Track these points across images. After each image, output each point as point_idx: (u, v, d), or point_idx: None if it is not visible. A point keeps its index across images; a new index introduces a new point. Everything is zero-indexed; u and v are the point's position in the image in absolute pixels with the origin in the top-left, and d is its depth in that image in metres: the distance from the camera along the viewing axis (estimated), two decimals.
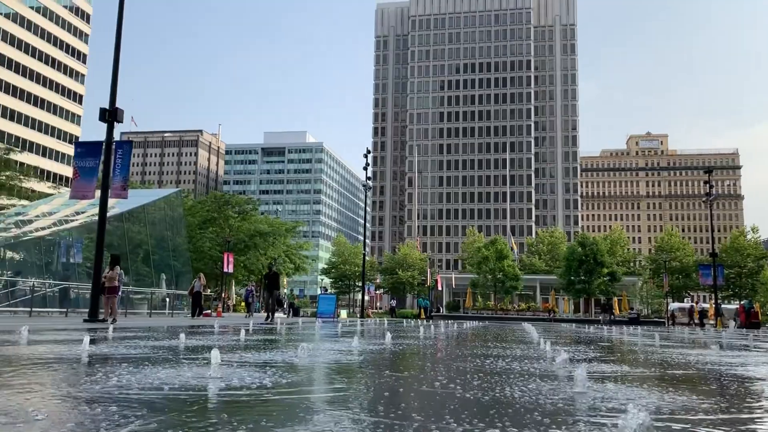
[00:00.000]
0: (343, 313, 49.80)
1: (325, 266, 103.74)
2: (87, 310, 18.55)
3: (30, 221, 34.04)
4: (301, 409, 3.32)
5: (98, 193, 19.03)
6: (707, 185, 46.26)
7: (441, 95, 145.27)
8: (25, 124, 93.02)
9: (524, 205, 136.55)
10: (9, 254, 30.21)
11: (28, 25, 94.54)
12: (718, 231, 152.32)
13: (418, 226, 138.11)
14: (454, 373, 5.41)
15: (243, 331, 11.98)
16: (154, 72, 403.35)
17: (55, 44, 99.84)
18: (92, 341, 7.12)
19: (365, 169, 48.43)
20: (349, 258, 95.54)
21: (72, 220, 32.50)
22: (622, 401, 3.74)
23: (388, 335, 10.39)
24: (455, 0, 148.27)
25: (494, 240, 75.31)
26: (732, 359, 8.22)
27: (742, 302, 50.61)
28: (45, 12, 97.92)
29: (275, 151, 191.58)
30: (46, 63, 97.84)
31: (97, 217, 19.76)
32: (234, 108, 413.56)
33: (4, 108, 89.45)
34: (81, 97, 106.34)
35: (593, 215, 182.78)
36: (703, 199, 50.63)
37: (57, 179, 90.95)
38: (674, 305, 62.25)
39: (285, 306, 45.18)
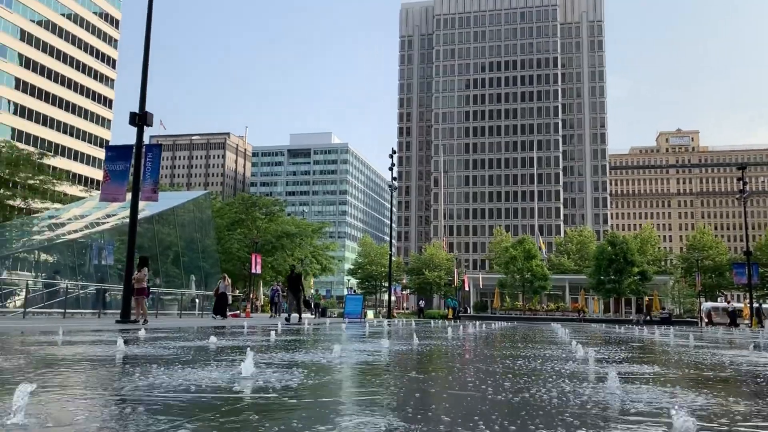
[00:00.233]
0: (370, 314, 49.90)
1: (352, 267, 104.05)
2: (119, 311, 18.85)
3: (63, 224, 34.73)
4: (330, 410, 3.33)
5: (129, 195, 19.32)
6: (741, 182, 45.27)
7: (466, 94, 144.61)
8: (57, 129, 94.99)
9: (552, 204, 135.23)
10: (43, 257, 30.84)
11: (59, 32, 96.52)
12: (753, 228, 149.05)
13: (444, 226, 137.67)
14: (483, 374, 5.37)
15: (272, 332, 12.06)
16: (182, 75, 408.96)
17: (85, 50, 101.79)
18: (125, 342, 7.23)
19: (391, 169, 48.42)
20: (375, 258, 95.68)
21: (103, 223, 33.08)
22: (655, 404, 3.67)
23: (416, 336, 10.36)
24: None
25: (522, 239, 74.76)
26: None
27: None
28: (75, 18, 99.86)
29: (301, 152, 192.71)
30: (77, 69, 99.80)
31: (127, 220, 20.09)
32: (260, 110, 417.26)
33: (37, 113, 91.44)
34: (111, 101, 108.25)
35: (623, 214, 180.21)
36: (737, 196, 49.50)
37: (88, 183, 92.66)
38: (708, 305, 61.07)
39: (312, 306, 45.37)
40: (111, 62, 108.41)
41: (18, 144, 55.51)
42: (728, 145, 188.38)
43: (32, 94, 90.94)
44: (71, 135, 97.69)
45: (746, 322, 47.00)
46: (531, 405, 3.56)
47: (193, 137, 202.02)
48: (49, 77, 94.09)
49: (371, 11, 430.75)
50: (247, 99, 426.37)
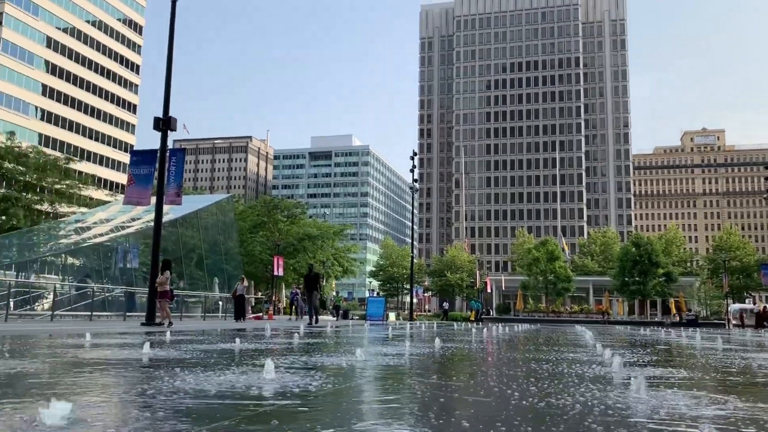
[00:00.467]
0: (392, 316, 49.85)
1: (373, 269, 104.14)
2: (144, 314, 19.07)
3: (89, 228, 35.24)
4: (352, 416, 3.33)
5: (153, 199, 19.56)
6: None
7: (487, 95, 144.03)
8: (83, 134, 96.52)
9: (575, 205, 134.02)
10: (70, 260, 31.33)
11: (84, 38, 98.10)
12: None
13: (466, 228, 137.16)
14: (507, 378, 5.34)
15: (294, 335, 12.10)
16: (205, 79, 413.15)
17: (109, 56, 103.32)
18: (150, 345, 7.31)
19: (412, 171, 48.40)
20: (397, 260, 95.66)
21: (128, 227, 33.52)
22: (683, 409, 3.61)
23: (439, 339, 10.33)
24: None
25: (545, 241, 74.24)
26: None
27: None
28: (100, 25, 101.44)
29: (322, 155, 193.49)
30: (102, 74, 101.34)
31: (152, 223, 20.32)
32: (281, 114, 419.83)
33: (63, 119, 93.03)
34: (135, 106, 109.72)
35: (647, 214, 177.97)
36: (764, 195, 48.60)
37: (113, 187, 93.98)
38: (736, 306, 60.04)
39: (330, 308, 45.46)
40: (135, 68, 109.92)
41: (45, 149, 56.47)
42: (755, 144, 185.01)
43: (58, 100, 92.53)
44: (96, 140, 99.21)
45: None
46: (555, 410, 3.53)
47: (216, 141, 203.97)
48: (74, 83, 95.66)
49: (391, 13, 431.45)
50: (268, 102, 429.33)
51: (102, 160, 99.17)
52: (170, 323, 17.58)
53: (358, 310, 73.72)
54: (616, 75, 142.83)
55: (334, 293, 79.33)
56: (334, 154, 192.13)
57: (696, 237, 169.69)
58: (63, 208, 50.13)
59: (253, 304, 43.81)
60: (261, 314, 37.75)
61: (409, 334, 15.46)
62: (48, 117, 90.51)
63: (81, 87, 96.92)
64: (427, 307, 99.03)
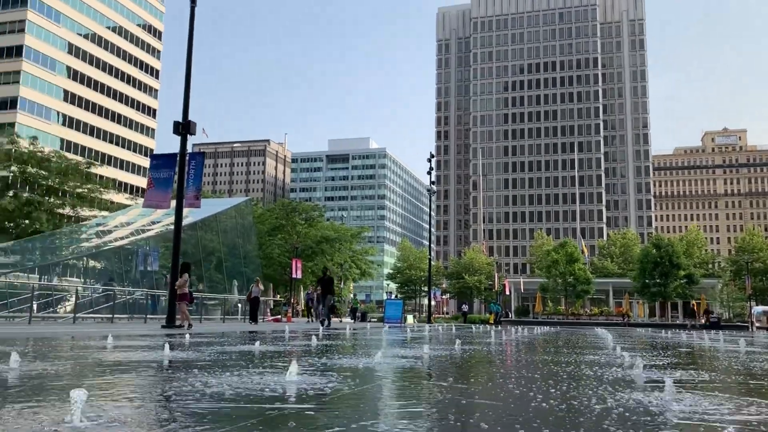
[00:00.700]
0: (410, 319, 49.79)
1: (391, 271, 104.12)
2: (164, 316, 19.25)
3: (109, 231, 35.66)
4: (371, 419, 3.33)
5: (173, 203, 19.73)
6: None
7: (505, 96, 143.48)
8: (104, 139, 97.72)
9: (594, 207, 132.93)
10: (91, 263, 31.70)
11: (105, 44, 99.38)
12: None
13: (484, 230, 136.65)
14: (526, 380, 5.31)
15: (313, 337, 12.14)
16: (223, 83, 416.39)
17: (129, 61, 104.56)
18: (171, 347, 7.38)
19: (429, 173, 48.34)
20: (415, 263, 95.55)
21: (148, 230, 33.85)
22: (709, 412, 3.56)
23: (458, 341, 10.30)
24: (518, 0, 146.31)
25: (564, 243, 73.71)
26: None
27: None
28: (120, 31, 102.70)
29: (339, 158, 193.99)
30: (122, 79, 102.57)
31: (172, 227, 20.50)
32: (299, 117, 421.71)
33: (84, 124, 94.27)
34: (155, 111, 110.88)
35: (668, 216, 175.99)
36: None
37: (134, 190, 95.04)
38: (758, 308, 59.12)
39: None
40: (154, 73, 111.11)
41: (67, 154, 57.25)
42: None
43: (79, 105, 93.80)
44: (117, 144, 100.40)
45: None
46: (576, 413, 3.50)
47: (234, 144, 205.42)
48: (95, 88, 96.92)
49: (408, 16, 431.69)
50: (286, 106, 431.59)
51: (122, 164, 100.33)
52: (190, 325, 17.72)
53: (375, 313, 73.73)
54: (635, 75, 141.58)
55: (352, 295, 79.46)
56: (351, 156, 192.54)
57: (718, 238, 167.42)
58: (84, 212, 50.76)
59: (272, 306, 44.00)
60: (279, 316, 37.91)
61: (428, 337, 15.43)
62: (69, 122, 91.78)
63: (102, 92, 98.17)
64: (445, 309, 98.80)
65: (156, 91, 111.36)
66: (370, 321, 46.61)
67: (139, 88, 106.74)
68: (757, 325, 51.50)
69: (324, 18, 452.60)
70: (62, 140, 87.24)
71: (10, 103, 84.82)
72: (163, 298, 26.17)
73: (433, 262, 69.19)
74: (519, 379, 5.53)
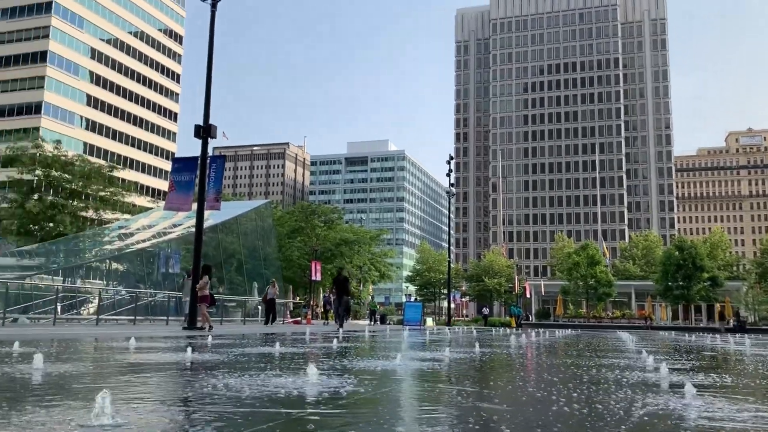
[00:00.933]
0: (429, 321, 49.66)
1: (410, 274, 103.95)
2: (182, 318, 19.42)
3: (131, 234, 36.05)
4: (391, 423, 3.31)
5: (194, 206, 19.89)
6: None
7: (524, 98, 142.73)
8: (126, 143, 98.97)
9: (616, 209, 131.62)
10: (114, 266, 32.07)
11: (127, 49, 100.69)
12: None
13: (504, 232, 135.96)
14: (548, 384, 5.25)
15: (333, 339, 12.15)
16: (242, 87, 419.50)
17: (151, 66, 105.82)
18: (192, 349, 7.43)
19: (448, 175, 48.20)
20: (434, 265, 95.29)
21: (170, 232, 34.15)
22: (734, 418, 3.50)
23: (479, 345, 10.24)
24: (537, 1, 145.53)
25: (585, 245, 73.09)
26: None
27: None
28: (141, 36, 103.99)
29: (358, 160, 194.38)
30: (144, 84, 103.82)
31: (193, 229, 20.66)
32: (318, 120, 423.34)
33: (107, 128, 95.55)
34: (176, 114, 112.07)
35: (691, 217, 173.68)
36: None
37: (155, 193, 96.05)
38: None
39: (371, 314, 45.49)
40: (175, 77, 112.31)
41: (90, 157, 57.99)
42: None
43: (102, 110, 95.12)
44: (139, 148, 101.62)
45: None
46: (598, 418, 3.46)
47: (254, 148, 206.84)
48: (117, 93, 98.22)
49: (426, 18, 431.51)
50: (305, 109, 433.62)
51: (144, 168, 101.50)
52: (210, 327, 17.84)
53: (394, 315, 73.66)
54: (657, 75, 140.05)
55: (370, 297, 79.50)
56: (370, 159, 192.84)
57: (742, 240, 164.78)
58: (107, 215, 51.35)
59: (292, 308, 44.15)
60: (299, 318, 38.03)
61: (449, 340, 15.37)
62: (92, 126, 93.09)
63: (124, 96, 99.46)
64: (464, 312, 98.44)
65: (177, 95, 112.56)
66: (389, 323, 46.59)
67: (161, 92, 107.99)
68: None
69: (343, 21, 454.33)
70: (85, 144, 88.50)
71: (35, 108, 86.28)
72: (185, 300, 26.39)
73: (452, 265, 68.94)
74: (540, 382, 5.48)
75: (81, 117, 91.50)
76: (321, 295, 69.73)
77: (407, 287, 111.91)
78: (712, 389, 5.10)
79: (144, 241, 33.59)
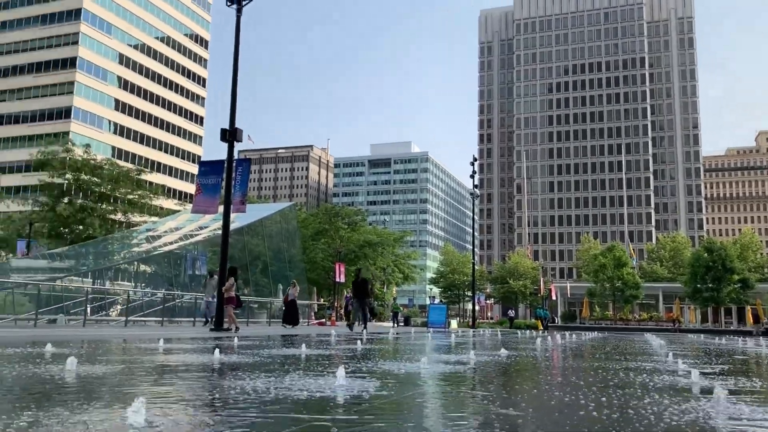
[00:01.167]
0: (454, 324, 49.45)
1: (434, 276, 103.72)
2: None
3: (159, 236, 36.51)
4: (414, 426, 3.31)
5: (220, 208, 20.11)
6: None
7: (549, 98, 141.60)
8: (153, 146, 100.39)
9: (642, 210, 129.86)
10: (142, 267, 32.52)
11: (154, 54, 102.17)
12: None
13: (529, 234, 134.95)
14: (574, 388, 5.21)
15: (358, 341, 12.18)
16: (267, 90, 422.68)
17: (177, 70, 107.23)
18: (220, 350, 7.51)
19: (472, 177, 47.99)
20: (458, 267, 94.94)
21: (196, 235, 34.54)
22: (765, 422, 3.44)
23: (504, 347, 10.19)
24: (561, 1, 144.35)
25: (611, 247, 72.26)
26: None
27: None
28: (168, 41, 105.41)
29: (381, 162, 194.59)
30: (170, 88, 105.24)
31: (219, 232, 20.87)
32: (341, 122, 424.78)
33: (135, 132, 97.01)
34: (202, 119, 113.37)
35: (720, 218, 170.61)
36: None
37: (182, 196, 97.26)
38: None
39: (394, 316, 45.43)
40: (201, 81, 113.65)
41: (118, 161, 58.90)
42: None
43: (130, 114, 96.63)
44: (166, 151, 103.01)
45: None
46: (627, 424, 3.42)
47: (279, 150, 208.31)
48: (145, 97, 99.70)
49: (449, 19, 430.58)
50: (329, 111, 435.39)
51: (171, 171, 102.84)
52: (237, 328, 18.01)
53: (418, 317, 73.53)
54: (684, 74, 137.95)
55: (393, 299, 79.46)
56: (393, 161, 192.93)
57: None
58: (135, 218, 52.05)
59: (316, 310, 44.35)
60: (324, 320, 38.20)
61: (474, 342, 15.31)
62: (120, 130, 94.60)
63: (151, 101, 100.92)
64: (489, 314, 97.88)
65: (203, 99, 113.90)
66: (413, 325, 46.54)
67: (187, 97, 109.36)
68: None
69: (366, 24, 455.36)
70: (113, 148, 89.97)
71: (65, 113, 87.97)
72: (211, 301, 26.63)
73: (476, 267, 68.66)
74: (568, 386, 5.43)
75: (109, 121, 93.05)
76: (345, 297, 69.90)
77: (431, 289, 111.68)
78: (744, 394, 5.01)
79: (171, 243, 34.01)
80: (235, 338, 12.41)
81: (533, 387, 5.65)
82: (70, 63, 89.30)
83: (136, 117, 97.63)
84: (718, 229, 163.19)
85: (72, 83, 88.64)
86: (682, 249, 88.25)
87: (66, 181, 48.92)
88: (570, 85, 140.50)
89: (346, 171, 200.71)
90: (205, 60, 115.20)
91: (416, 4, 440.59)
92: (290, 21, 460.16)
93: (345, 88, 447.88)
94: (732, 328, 62.54)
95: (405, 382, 5.41)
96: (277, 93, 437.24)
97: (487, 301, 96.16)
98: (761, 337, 35.29)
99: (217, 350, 7.46)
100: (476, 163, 47.99)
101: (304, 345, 9.74)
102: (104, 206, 49.39)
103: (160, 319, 23.87)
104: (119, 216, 50.91)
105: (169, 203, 73.34)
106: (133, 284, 31.03)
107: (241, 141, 18.97)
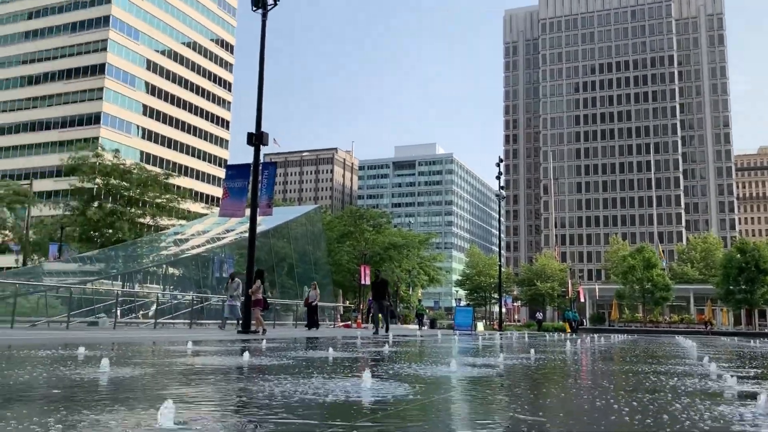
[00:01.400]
0: (480, 326, 49.20)
1: (460, 278, 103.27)
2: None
3: (186, 240, 36.94)
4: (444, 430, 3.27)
5: (247, 211, 20.25)
6: None
7: (576, 98, 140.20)
8: (180, 150, 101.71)
9: (672, 210, 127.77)
10: (170, 270, 32.92)
11: (180, 59, 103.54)
12: None
13: (556, 235, 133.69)
14: (603, 392, 5.11)
15: (385, 344, 12.16)
16: (291, 93, 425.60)
17: (203, 75, 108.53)
18: (248, 353, 7.54)
19: (498, 178, 47.71)
20: (484, 269, 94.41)
21: (223, 238, 34.88)
22: None
23: (533, 350, 10.07)
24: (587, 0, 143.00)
25: (641, 248, 71.20)
26: None
27: None
28: (194, 46, 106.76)
29: (406, 164, 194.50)
30: (197, 93, 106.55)
31: (246, 234, 21.03)
32: (366, 124, 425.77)
33: (162, 137, 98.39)
34: (228, 122, 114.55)
35: (753, 218, 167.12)
36: None
37: (209, 200, 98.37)
38: None
39: (418, 318, 45.31)
40: (227, 85, 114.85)
41: (146, 166, 59.77)
42: None
43: (157, 119, 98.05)
44: (193, 155, 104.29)
45: None
46: (660, 430, 3.33)
47: (303, 153, 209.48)
48: (172, 102, 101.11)
49: (474, 20, 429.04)
50: (352, 113, 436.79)
51: (198, 175, 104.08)
52: (264, 331, 18.10)
53: (444, 320, 73.26)
54: (714, 72, 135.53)
55: (418, 302, 79.24)
56: (417, 163, 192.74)
57: None
58: (163, 221, 52.76)
59: (342, 312, 44.46)
60: (349, 322, 38.26)
61: (502, 345, 15.18)
62: (148, 135, 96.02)
63: (178, 106, 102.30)
64: (516, 317, 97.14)
65: (229, 103, 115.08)
66: (439, 328, 46.39)
67: (213, 101, 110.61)
68: None
69: (389, 24, 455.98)
70: (142, 152, 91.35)
71: (95, 119, 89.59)
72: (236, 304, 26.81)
73: (503, 269, 68.20)
74: (598, 390, 5.33)
75: (138, 126, 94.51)
76: (368, 300, 69.93)
77: (457, 291, 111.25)
78: None
79: (198, 246, 34.38)
80: (263, 341, 12.47)
81: (562, 391, 5.56)
82: (99, 69, 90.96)
83: (164, 122, 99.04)
84: (750, 229, 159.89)
85: (101, 89, 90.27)
86: (714, 250, 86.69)
87: (96, 186, 49.78)
88: (597, 84, 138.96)
89: (371, 173, 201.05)
90: (231, 64, 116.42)
91: (440, 5, 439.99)
92: (313, 25, 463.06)
93: (369, 90, 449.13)
94: (767, 330, 61.14)
95: (431, 386, 5.36)
96: (302, 95, 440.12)
97: (514, 304, 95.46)
98: None
99: (245, 353, 7.50)
100: (502, 164, 47.67)
101: (330, 348, 9.74)
102: (133, 210, 50.15)
103: (189, 321, 24.11)
104: (148, 219, 51.65)
105: (196, 207, 74.19)
106: (162, 287, 31.41)
107: (267, 144, 19.10)
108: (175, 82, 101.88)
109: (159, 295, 26.68)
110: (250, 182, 19.51)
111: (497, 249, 59.63)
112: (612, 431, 3.27)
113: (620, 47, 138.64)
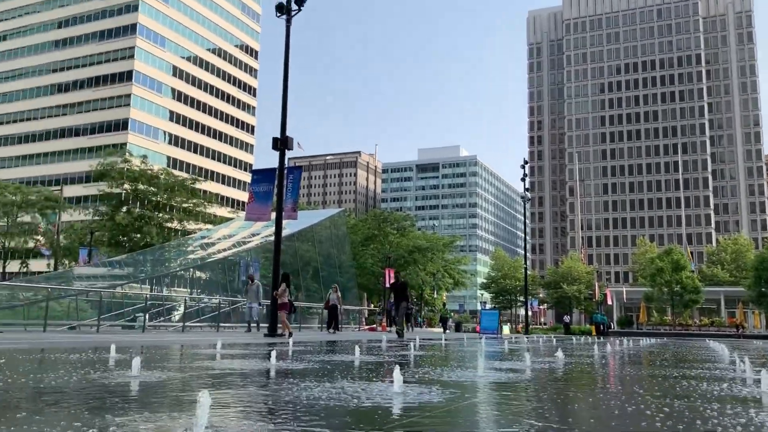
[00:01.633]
0: (506, 329, 48.86)
1: (484, 281, 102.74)
2: (266, 325, 19.89)
3: (213, 243, 37.34)
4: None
5: (273, 215, 20.41)
6: None
7: (601, 98, 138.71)
8: (207, 155, 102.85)
9: (701, 211, 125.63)
10: (197, 274, 33.30)
11: (206, 66, 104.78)
12: None
13: (582, 237, 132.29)
14: (633, 396, 5.03)
15: (411, 347, 12.14)
16: (315, 97, 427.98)
17: (229, 81, 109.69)
18: (275, 356, 7.58)
19: (523, 179, 47.35)
20: (509, 272, 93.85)
21: (249, 242, 35.19)
22: None
23: (562, 353, 9.96)
24: None
25: (669, 249, 70.12)
26: None
27: None
28: (219, 52, 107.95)
29: (429, 167, 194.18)
30: (222, 98, 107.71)
31: (271, 238, 21.17)
32: (389, 127, 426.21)
33: (189, 142, 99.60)
34: (253, 127, 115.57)
35: None
36: None
37: (235, 204, 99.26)
38: None
39: (443, 322, 45.17)
40: (252, 91, 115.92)
41: (173, 171, 60.58)
42: None
43: (183, 125, 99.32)
44: (219, 160, 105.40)
45: None
46: None
47: (327, 157, 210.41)
48: (198, 108, 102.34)
49: (497, 21, 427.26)
50: (376, 117, 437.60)
51: (224, 179, 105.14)
52: (290, 334, 18.18)
53: (470, 323, 72.90)
54: (743, 70, 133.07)
55: (442, 305, 78.93)
56: (441, 165, 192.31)
57: None
58: (190, 225, 53.40)
59: (367, 315, 44.51)
60: (374, 326, 38.28)
61: (529, 349, 15.04)
62: (175, 141, 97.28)
63: (204, 111, 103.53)
64: (542, 320, 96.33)
65: (254, 108, 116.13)
66: (464, 331, 46.17)
67: (238, 106, 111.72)
68: None
69: (412, 28, 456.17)
70: (169, 158, 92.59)
71: (122, 125, 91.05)
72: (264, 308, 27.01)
73: (528, 271, 67.67)
74: (628, 395, 5.26)
75: (164, 132, 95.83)
76: (387, 302, 69.86)
77: (482, 294, 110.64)
78: None
79: (225, 250, 34.72)
80: (289, 344, 12.53)
81: (591, 396, 5.49)
82: (126, 76, 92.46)
83: (190, 127, 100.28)
84: None
85: (129, 96, 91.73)
86: (745, 251, 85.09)
87: (124, 191, 50.59)
88: (623, 84, 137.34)
89: (394, 176, 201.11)
90: (255, 70, 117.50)
91: (463, 7, 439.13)
92: (333, 29, 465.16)
93: (392, 93, 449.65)
94: None
95: (459, 391, 5.33)
96: (325, 99, 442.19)
97: (540, 307, 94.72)
98: None
99: (272, 356, 7.54)
100: (527, 166, 47.31)
101: (356, 351, 9.75)
102: (161, 215, 50.84)
103: (216, 324, 24.34)
104: (175, 224, 52.32)
105: (222, 211, 74.92)
106: (189, 290, 31.78)
107: (291, 149, 19.22)
108: (200, 88, 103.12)
109: (186, 298, 26.98)
110: (275, 186, 19.64)
111: (522, 251, 59.17)
112: None
113: (646, 47, 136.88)
